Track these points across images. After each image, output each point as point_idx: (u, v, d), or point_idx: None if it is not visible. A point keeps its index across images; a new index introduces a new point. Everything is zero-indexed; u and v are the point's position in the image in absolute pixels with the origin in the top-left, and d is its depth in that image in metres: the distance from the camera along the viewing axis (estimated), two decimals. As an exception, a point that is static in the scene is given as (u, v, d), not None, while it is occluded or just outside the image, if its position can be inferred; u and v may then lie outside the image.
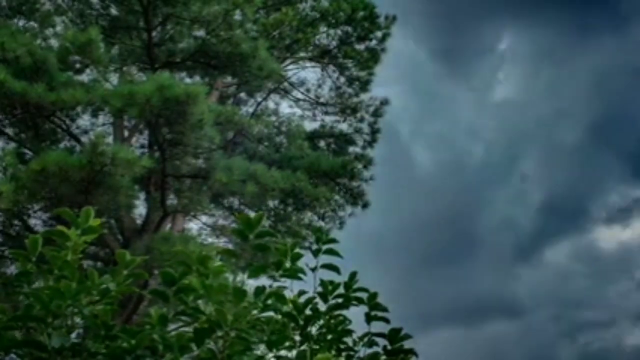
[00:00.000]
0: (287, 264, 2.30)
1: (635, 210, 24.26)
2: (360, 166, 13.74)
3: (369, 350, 2.52)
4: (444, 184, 24.00)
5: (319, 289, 2.51)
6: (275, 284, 2.32)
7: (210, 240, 13.25)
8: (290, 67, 14.90)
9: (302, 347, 2.37)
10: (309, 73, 15.17)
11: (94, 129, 11.09)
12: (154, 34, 10.80)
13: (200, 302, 2.22)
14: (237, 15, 10.96)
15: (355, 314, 2.57)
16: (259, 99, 14.83)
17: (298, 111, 15.28)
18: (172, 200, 10.93)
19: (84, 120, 11.40)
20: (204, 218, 13.25)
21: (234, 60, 10.96)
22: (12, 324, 2.17)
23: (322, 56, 14.51)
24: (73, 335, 2.25)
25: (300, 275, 2.35)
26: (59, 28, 11.25)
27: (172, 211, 10.76)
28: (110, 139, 11.05)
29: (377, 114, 14.66)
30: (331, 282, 2.50)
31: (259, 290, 2.22)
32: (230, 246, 12.47)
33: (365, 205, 13.61)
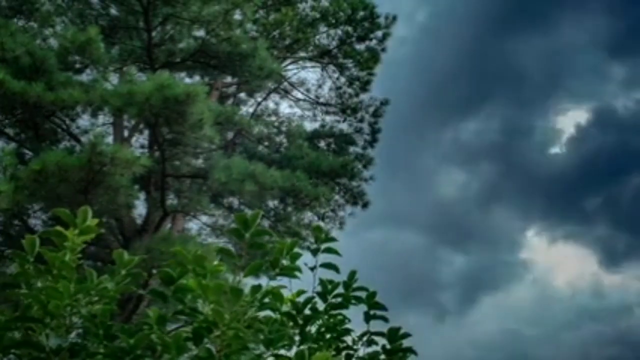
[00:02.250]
0: (284, 262, 2.30)
1: None
2: (360, 166, 13.76)
3: (368, 349, 2.51)
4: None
5: (318, 289, 2.51)
6: (273, 283, 2.32)
7: (210, 240, 13.25)
8: (290, 67, 14.92)
9: (302, 347, 2.37)
10: (309, 73, 15.19)
11: (94, 129, 11.07)
12: (154, 34, 10.80)
13: (199, 301, 2.21)
14: (237, 15, 10.97)
15: (355, 313, 2.57)
16: (259, 99, 14.84)
17: (298, 111, 15.31)
18: (172, 200, 10.93)
19: (84, 120, 11.40)
20: (204, 218, 13.26)
21: (234, 60, 10.96)
22: (10, 325, 2.16)
23: (322, 56, 14.51)
24: (72, 335, 2.24)
25: (299, 274, 2.35)
26: (58, 28, 11.24)
27: (172, 211, 10.76)
28: (110, 139, 11.05)
29: (377, 114, 14.67)
30: (330, 282, 2.50)
31: (255, 289, 2.21)
32: (230, 246, 12.45)
33: (365, 205, 13.62)
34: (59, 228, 2.23)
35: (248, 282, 2.35)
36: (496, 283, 23.94)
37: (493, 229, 23.98)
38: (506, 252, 24.28)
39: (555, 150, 25.13)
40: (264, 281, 2.33)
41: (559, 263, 25.97)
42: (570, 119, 29.73)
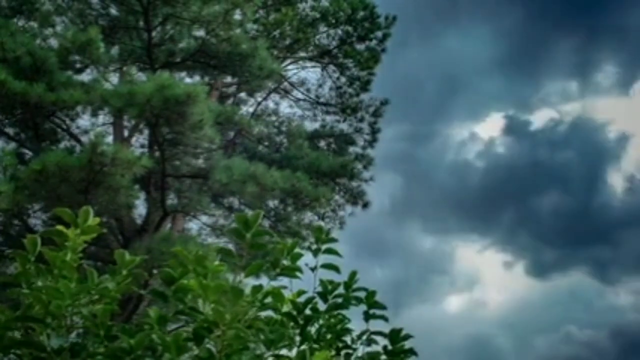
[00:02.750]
0: (285, 263, 2.30)
1: None
2: (360, 166, 13.77)
3: (368, 349, 2.52)
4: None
5: (319, 289, 2.52)
6: (275, 283, 2.32)
7: (210, 240, 13.26)
8: (291, 67, 14.93)
9: (302, 347, 2.37)
10: (309, 73, 15.19)
11: (94, 129, 11.08)
12: (153, 34, 10.80)
13: (199, 301, 2.22)
14: (237, 15, 10.97)
15: (354, 312, 2.58)
16: (259, 99, 14.85)
17: (298, 111, 15.32)
18: (172, 200, 10.94)
19: (84, 120, 11.41)
20: (204, 218, 13.26)
21: (234, 60, 10.97)
22: (11, 324, 2.17)
23: (322, 56, 14.52)
24: (73, 335, 2.24)
25: (300, 274, 2.35)
26: (58, 28, 11.25)
27: (172, 211, 10.76)
28: (110, 139, 11.06)
29: (377, 114, 14.67)
30: (331, 282, 2.51)
31: (256, 289, 2.22)
32: (230, 246, 12.46)
33: (365, 205, 13.63)
34: (60, 227, 2.23)
35: (249, 283, 2.35)
36: (423, 293, 23.87)
37: (410, 240, 23.82)
38: (428, 263, 24.18)
39: (468, 163, 25.01)
40: (265, 281, 2.34)
41: (484, 273, 26.07)
42: (484, 133, 29.69)
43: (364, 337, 2.53)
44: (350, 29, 13.89)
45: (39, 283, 2.21)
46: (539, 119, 25.79)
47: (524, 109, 26.66)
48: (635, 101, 25.22)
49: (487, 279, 25.80)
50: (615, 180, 25.89)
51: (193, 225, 13.11)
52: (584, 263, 23.58)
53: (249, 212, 2.44)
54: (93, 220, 2.23)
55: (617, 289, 23.32)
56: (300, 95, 15.23)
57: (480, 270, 26.11)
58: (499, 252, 25.59)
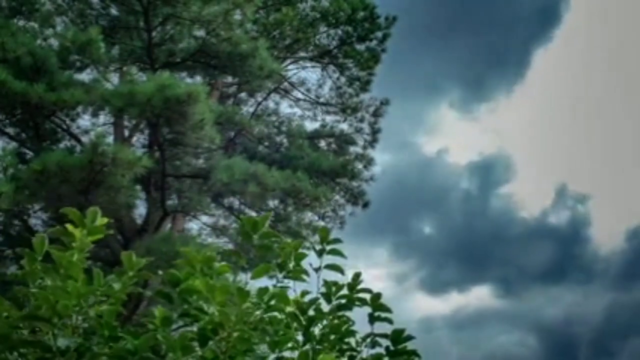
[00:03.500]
0: (291, 265, 2.31)
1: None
2: (360, 166, 13.78)
3: (372, 351, 2.52)
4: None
5: (323, 290, 2.52)
6: (278, 285, 2.32)
7: (210, 240, 13.26)
8: (291, 67, 14.92)
9: (305, 348, 2.38)
10: (309, 73, 15.17)
11: (95, 129, 11.08)
12: (154, 34, 10.79)
13: (202, 302, 2.22)
14: (237, 15, 10.97)
15: (359, 314, 2.58)
16: (259, 99, 14.83)
17: (298, 111, 15.29)
18: (172, 200, 10.94)
19: (85, 120, 11.41)
20: (204, 218, 13.26)
21: (234, 60, 10.97)
22: (18, 324, 2.17)
23: (323, 56, 14.52)
24: (76, 335, 2.25)
25: (304, 276, 2.36)
26: (59, 28, 11.24)
27: (172, 211, 10.77)
28: (110, 139, 11.05)
29: (377, 113, 14.67)
30: (335, 283, 2.51)
31: (262, 291, 2.22)
32: (230, 246, 12.48)
33: (365, 205, 13.63)
34: (69, 227, 2.24)
35: (251, 283, 2.36)
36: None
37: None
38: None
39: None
40: (266, 282, 2.34)
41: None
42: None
43: (368, 340, 2.53)
44: (350, 29, 13.89)
45: (49, 282, 2.21)
46: (415, 140, 25.86)
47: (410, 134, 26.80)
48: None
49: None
50: (502, 201, 26.16)
51: (193, 225, 13.13)
52: (483, 280, 24.70)
53: (250, 213, 2.44)
54: (100, 221, 2.24)
55: (518, 301, 24.12)
56: (300, 95, 15.23)
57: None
58: (392, 269, 25.53)
